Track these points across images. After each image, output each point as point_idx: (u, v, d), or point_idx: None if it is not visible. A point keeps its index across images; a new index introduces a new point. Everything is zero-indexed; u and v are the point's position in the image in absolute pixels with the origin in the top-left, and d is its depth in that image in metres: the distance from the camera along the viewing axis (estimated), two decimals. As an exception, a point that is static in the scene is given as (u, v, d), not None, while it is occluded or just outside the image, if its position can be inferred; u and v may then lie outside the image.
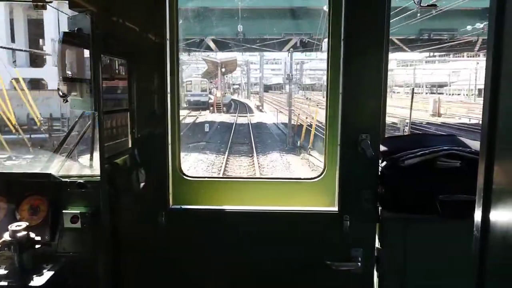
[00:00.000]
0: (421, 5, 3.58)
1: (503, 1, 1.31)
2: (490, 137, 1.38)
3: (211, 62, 59.73)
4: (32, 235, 2.91)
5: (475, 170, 1.45)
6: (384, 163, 3.08)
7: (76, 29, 2.96)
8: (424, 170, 2.95)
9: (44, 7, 3.06)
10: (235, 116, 49.60)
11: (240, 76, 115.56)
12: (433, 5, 3.97)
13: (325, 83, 3.30)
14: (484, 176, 1.40)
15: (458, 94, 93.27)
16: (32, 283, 2.82)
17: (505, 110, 1.34)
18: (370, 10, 2.89)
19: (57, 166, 3.62)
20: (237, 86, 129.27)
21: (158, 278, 3.20)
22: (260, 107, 60.35)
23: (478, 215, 1.43)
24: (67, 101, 3.06)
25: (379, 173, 3.03)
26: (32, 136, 26.61)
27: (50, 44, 37.18)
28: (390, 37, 3.81)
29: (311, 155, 23.54)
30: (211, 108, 53.46)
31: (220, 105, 53.05)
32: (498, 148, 1.36)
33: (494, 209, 1.37)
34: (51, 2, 3.05)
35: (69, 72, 2.98)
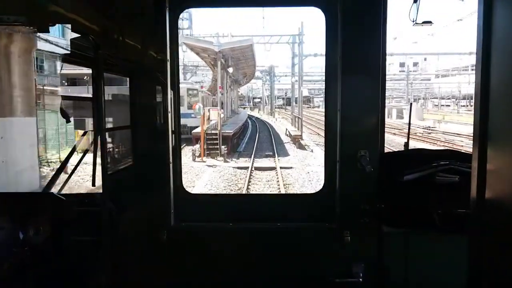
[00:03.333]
0: (417, 22, 3.59)
1: (490, 17, 1.38)
2: (482, 151, 1.42)
3: (202, 51, 31.95)
4: (35, 254, 2.92)
5: None
6: (384, 178, 3.05)
7: (78, 50, 3.13)
8: (423, 185, 2.95)
9: (47, 30, 3.12)
10: (246, 170, 20.11)
11: (261, 87, 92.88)
12: (428, 22, 4.13)
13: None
14: (476, 191, 1.43)
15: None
16: None
17: (494, 125, 1.37)
18: (366, 28, 2.91)
19: (60, 185, 3.61)
20: (258, 100, 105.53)
21: None
22: (298, 137, 31.70)
23: (471, 231, 1.47)
24: (69, 121, 3.23)
25: (379, 189, 3.03)
26: None
27: None
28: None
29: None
30: (196, 147, 24.82)
31: (215, 140, 24.56)
32: (490, 164, 1.39)
33: (487, 224, 1.40)
34: (54, 25, 3.13)
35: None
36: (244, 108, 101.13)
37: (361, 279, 2.97)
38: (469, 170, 2.78)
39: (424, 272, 3.00)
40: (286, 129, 39.93)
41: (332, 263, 3.03)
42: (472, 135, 1.58)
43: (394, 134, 37.54)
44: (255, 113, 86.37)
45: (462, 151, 3.76)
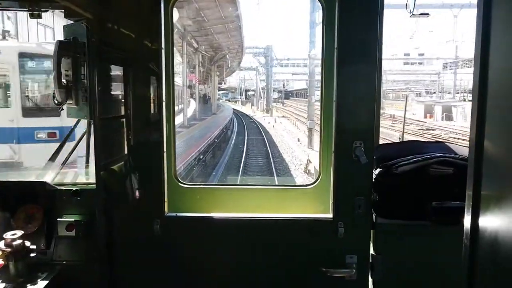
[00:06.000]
0: (414, 13, 3.75)
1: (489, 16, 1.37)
2: (478, 143, 1.42)
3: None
4: (27, 243, 2.88)
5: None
6: (378, 170, 3.08)
7: (72, 37, 3.05)
8: (418, 177, 2.98)
9: (39, 16, 3.06)
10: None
11: (255, 77, 79.69)
12: (425, 14, 5.23)
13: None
14: (473, 184, 1.43)
15: None
16: None
17: (492, 116, 1.37)
18: (364, 19, 2.93)
19: (53, 174, 3.59)
20: (252, 93, 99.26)
21: (154, 286, 3.24)
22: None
23: (467, 223, 1.46)
24: (62, 109, 3.13)
25: (373, 180, 3.05)
26: None
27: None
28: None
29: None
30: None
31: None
32: (486, 156, 1.39)
33: (483, 216, 1.40)
34: (46, 11, 3.09)
35: (64, 81, 3.03)
36: (235, 102, 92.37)
37: (354, 270, 3.01)
38: (463, 163, 2.89)
39: (417, 264, 3.04)
40: (308, 161, 20.50)
41: (326, 254, 3.07)
42: None
43: None
44: (247, 110, 73.84)
45: (458, 144, 3.73)
